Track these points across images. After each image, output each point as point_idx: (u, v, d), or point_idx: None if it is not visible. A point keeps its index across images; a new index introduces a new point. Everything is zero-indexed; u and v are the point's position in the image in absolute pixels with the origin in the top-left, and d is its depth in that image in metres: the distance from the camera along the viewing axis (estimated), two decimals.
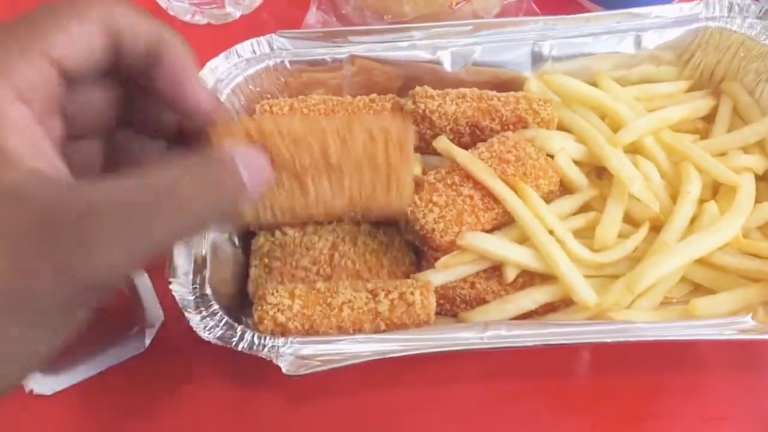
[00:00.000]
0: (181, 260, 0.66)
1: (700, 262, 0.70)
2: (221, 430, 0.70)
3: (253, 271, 0.72)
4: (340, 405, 0.70)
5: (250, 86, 0.82)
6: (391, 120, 0.60)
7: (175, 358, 0.72)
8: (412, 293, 0.66)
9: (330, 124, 0.59)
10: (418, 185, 0.72)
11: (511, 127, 0.78)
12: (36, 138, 0.38)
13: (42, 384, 0.70)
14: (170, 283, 0.64)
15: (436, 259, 0.70)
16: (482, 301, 0.71)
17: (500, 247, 0.70)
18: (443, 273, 0.70)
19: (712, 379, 0.71)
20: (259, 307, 0.65)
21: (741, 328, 0.63)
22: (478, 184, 0.72)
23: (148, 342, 0.73)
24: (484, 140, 0.76)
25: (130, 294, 0.72)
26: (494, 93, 0.79)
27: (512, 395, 0.71)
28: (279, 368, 0.61)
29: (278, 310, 0.65)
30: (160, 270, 0.67)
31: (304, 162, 0.64)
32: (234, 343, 0.62)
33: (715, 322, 0.64)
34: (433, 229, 0.70)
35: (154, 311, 0.74)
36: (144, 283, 0.76)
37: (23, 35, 0.39)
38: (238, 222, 0.68)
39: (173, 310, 0.70)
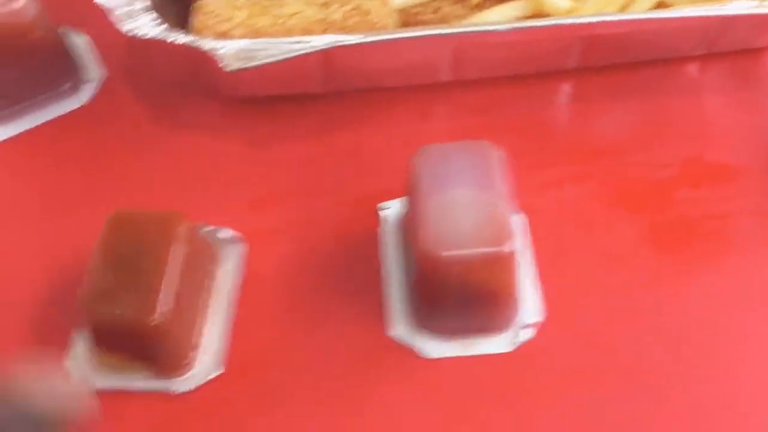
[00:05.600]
0: None
1: None
2: (176, 176, 0.63)
3: None
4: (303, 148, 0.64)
5: None
6: None
7: (122, 112, 0.66)
8: (369, 1, 0.60)
9: None
10: None
11: None
12: None
13: None
14: None
15: None
16: None
17: None
18: None
19: None
20: (199, 16, 0.59)
21: None
22: None
23: (86, 97, 0.66)
24: None
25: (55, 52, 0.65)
26: None
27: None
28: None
29: (220, 20, 0.58)
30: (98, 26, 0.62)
31: None
32: (170, 39, 0.55)
33: None
34: None
35: (92, 67, 0.68)
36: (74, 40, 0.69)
37: None
38: None
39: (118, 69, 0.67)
